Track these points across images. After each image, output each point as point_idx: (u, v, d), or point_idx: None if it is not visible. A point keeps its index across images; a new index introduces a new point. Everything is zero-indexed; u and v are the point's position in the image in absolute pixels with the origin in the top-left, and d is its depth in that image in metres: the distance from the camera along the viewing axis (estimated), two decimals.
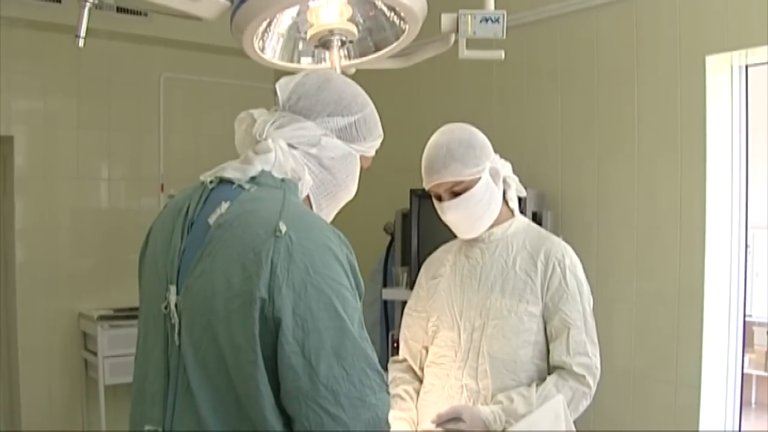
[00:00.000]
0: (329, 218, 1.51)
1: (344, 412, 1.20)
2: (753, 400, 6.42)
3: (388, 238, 4.36)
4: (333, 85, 1.46)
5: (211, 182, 1.37)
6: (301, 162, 1.41)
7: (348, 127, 1.46)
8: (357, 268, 1.32)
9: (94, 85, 4.67)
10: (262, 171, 1.36)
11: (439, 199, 2.06)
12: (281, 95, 1.43)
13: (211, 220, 1.30)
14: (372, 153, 1.55)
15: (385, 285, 4.29)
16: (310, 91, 1.44)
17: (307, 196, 1.45)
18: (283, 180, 1.37)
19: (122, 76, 4.76)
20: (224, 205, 1.31)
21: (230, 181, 1.35)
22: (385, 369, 2.25)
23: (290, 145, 1.40)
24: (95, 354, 4.30)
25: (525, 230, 2.12)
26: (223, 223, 1.28)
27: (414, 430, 2.07)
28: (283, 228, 1.22)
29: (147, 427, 1.28)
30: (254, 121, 1.42)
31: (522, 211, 2.24)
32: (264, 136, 1.39)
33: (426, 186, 2.07)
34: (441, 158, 1.99)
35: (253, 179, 1.35)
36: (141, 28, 4.62)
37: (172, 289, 1.29)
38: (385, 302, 4.30)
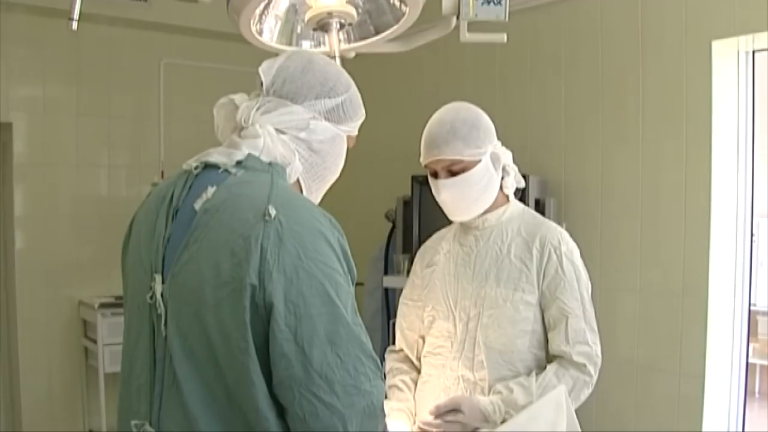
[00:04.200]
0: (318, 200, 1.48)
1: (339, 400, 1.18)
2: (757, 390, 6.39)
3: (390, 225, 4.34)
4: (317, 66, 1.43)
5: (195, 168, 1.33)
6: (290, 147, 1.38)
7: (335, 108, 1.43)
8: (349, 252, 1.28)
9: (94, 71, 4.63)
10: (249, 155, 1.32)
11: (435, 176, 2.02)
12: (265, 79, 1.39)
13: (197, 205, 1.27)
14: (356, 132, 1.52)
15: (386, 273, 4.28)
16: (295, 74, 1.40)
17: (297, 181, 1.41)
18: (270, 164, 1.33)
19: (122, 63, 4.72)
20: (210, 190, 1.27)
21: (216, 166, 1.32)
22: (385, 357, 2.23)
23: (278, 131, 1.37)
24: (95, 342, 4.29)
25: (520, 216, 2.08)
26: (210, 209, 1.25)
27: (412, 421, 2.04)
28: (273, 212, 1.19)
29: (133, 422, 1.25)
30: (235, 107, 1.39)
31: (523, 199, 2.21)
32: (250, 122, 1.35)
33: (423, 161, 2.03)
34: (443, 134, 1.95)
35: (239, 163, 1.31)
36: (140, 14, 4.58)
37: (158, 278, 1.25)
38: (387, 290, 4.29)
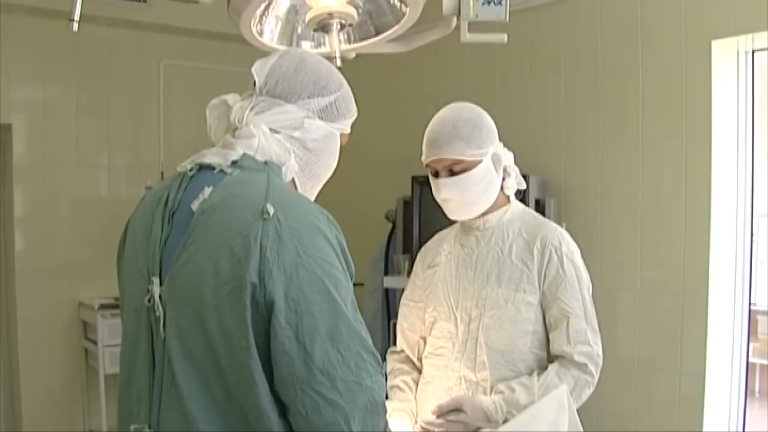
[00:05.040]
0: (312, 198, 1.49)
1: (341, 396, 1.18)
2: (757, 390, 6.38)
3: (390, 225, 4.34)
4: (309, 65, 1.43)
5: (190, 170, 1.33)
6: (285, 147, 1.38)
7: (329, 106, 1.43)
8: (347, 248, 1.29)
9: (94, 72, 4.63)
10: (244, 155, 1.32)
11: (436, 175, 2.02)
12: (258, 79, 1.40)
13: (194, 206, 1.27)
14: (349, 130, 1.52)
15: (386, 273, 4.28)
16: (288, 73, 1.41)
17: (292, 180, 1.42)
18: (266, 163, 1.33)
19: (122, 63, 4.72)
20: (207, 190, 1.27)
21: (211, 167, 1.32)
22: (386, 358, 2.23)
23: (272, 130, 1.37)
24: (95, 343, 4.29)
25: (521, 216, 2.08)
26: (207, 209, 1.25)
27: (413, 421, 2.04)
28: (271, 210, 1.20)
29: (133, 426, 1.25)
30: (228, 107, 1.39)
31: (524, 199, 2.21)
32: (244, 122, 1.36)
33: (425, 160, 2.03)
34: (445, 134, 1.95)
35: (234, 163, 1.32)
36: (140, 15, 4.59)
37: (155, 280, 1.25)
38: (387, 290, 4.29)
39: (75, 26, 1.90)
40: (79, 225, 4.60)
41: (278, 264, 1.17)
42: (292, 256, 1.18)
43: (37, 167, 4.50)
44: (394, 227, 4.29)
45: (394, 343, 2.28)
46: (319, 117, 1.42)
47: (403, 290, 2.27)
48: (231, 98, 1.40)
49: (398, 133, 4.26)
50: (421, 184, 3.73)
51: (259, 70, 1.40)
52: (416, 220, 3.85)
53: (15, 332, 4.47)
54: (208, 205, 1.25)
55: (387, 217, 4.36)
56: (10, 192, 4.45)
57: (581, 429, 1.86)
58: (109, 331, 4.21)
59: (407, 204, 4.00)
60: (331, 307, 1.20)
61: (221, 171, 1.31)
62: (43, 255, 4.49)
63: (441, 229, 2.27)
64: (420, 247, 2.30)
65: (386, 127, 4.47)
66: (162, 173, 4.79)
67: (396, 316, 2.26)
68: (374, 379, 1.23)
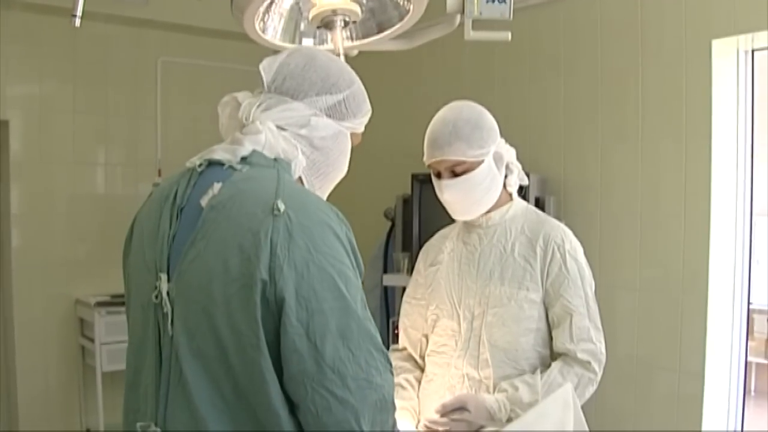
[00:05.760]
0: (324, 198, 1.47)
1: (352, 394, 1.18)
2: (753, 388, 6.39)
3: (389, 223, 4.33)
4: (318, 62, 1.42)
5: (199, 165, 1.32)
6: (291, 143, 1.37)
7: (337, 104, 1.42)
8: (356, 246, 1.28)
9: (91, 69, 4.62)
10: (254, 151, 1.31)
11: (438, 176, 2.02)
12: (266, 76, 1.39)
13: (203, 202, 1.26)
14: (362, 129, 1.50)
15: (385, 271, 4.27)
16: (296, 70, 1.39)
17: (299, 178, 1.40)
18: (275, 159, 1.32)
19: (119, 60, 4.71)
20: (216, 186, 1.26)
21: (220, 163, 1.31)
22: None
23: (279, 127, 1.36)
24: (92, 340, 4.27)
25: (523, 214, 2.08)
26: (217, 205, 1.23)
27: (416, 420, 2.04)
28: (282, 206, 1.19)
29: (139, 424, 1.24)
30: (239, 104, 1.38)
31: (524, 197, 2.20)
32: (251, 119, 1.35)
33: (426, 161, 2.02)
34: (446, 135, 1.95)
35: (244, 159, 1.30)
36: (138, 12, 4.57)
37: (163, 277, 1.24)
38: (386, 288, 4.28)
39: (77, 22, 1.88)
40: (75, 222, 4.59)
41: (289, 261, 1.16)
42: (303, 253, 1.17)
43: (33, 164, 4.48)
44: (393, 225, 4.28)
45: (394, 341, 2.28)
46: (327, 115, 1.41)
47: (402, 288, 2.27)
48: (241, 96, 1.39)
49: (398, 130, 4.25)
50: (421, 181, 3.73)
51: (267, 68, 1.40)
52: (416, 218, 3.84)
53: (11, 330, 4.45)
54: (218, 201, 1.24)
55: (386, 215, 4.35)
56: (7, 188, 4.43)
57: (587, 428, 1.85)
58: (107, 329, 4.20)
59: (407, 202, 3.99)
60: (342, 305, 1.19)
61: (230, 167, 1.29)
62: (40, 252, 4.47)
63: (441, 227, 2.26)
64: (419, 245, 2.29)
65: (386, 124, 4.44)
66: (159, 170, 4.78)
67: (395, 314, 2.26)
68: (384, 377, 1.23)
